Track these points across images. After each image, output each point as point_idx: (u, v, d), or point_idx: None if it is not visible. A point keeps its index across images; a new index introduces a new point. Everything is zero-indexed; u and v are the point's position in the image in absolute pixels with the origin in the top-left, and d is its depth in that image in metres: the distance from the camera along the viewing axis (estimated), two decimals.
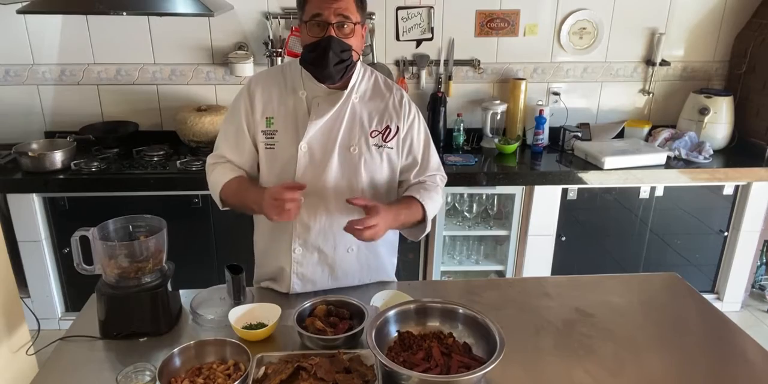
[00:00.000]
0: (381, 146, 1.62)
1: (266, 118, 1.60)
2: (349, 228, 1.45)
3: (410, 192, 1.64)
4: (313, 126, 1.56)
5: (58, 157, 2.77)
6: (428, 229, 1.67)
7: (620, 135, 3.26)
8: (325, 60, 1.48)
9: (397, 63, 3.17)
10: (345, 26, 1.47)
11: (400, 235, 1.81)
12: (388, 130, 1.62)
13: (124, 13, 2.59)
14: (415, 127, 1.66)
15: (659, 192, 3.03)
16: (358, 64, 1.60)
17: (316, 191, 1.60)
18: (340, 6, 1.45)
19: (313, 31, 1.49)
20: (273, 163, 1.62)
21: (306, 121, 1.58)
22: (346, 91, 1.58)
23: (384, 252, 1.78)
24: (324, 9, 1.45)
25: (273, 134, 1.60)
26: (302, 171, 1.59)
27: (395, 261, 1.85)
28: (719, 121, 3.13)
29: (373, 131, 1.61)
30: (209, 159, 1.69)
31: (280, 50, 2.98)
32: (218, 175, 1.62)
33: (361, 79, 1.62)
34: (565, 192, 2.97)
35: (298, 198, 1.43)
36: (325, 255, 1.68)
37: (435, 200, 1.65)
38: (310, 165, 1.59)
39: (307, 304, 1.52)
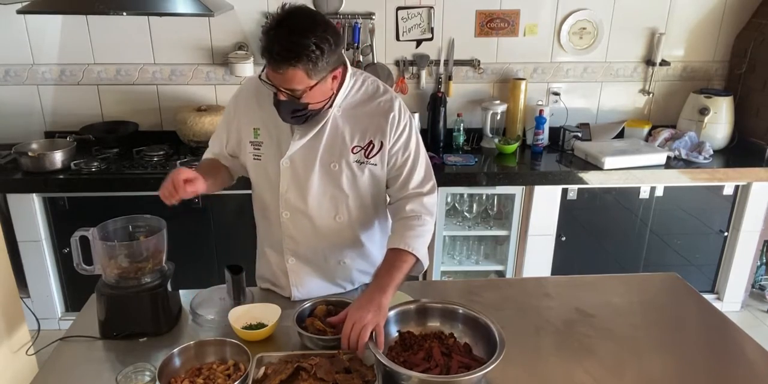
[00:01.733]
0: (363, 163, 1.56)
1: (254, 128, 1.58)
2: (352, 347, 1.35)
3: (395, 242, 1.53)
4: (295, 145, 1.54)
5: (58, 157, 2.77)
6: (426, 264, 1.56)
7: (620, 135, 3.26)
8: (281, 114, 1.47)
9: (397, 63, 3.17)
10: (295, 92, 1.40)
11: None
12: (372, 145, 1.55)
13: (124, 13, 2.59)
14: (402, 141, 1.56)
15: (659, 192, 3.03)
16: (348, 76, 1.52)
17: (300, 206, 1.59)
18: (285, 80, 1.37)
19: (266, 85, 1.43)
20: (259, 175, 1.62)
21: (288, 136, 1.55)
22: (331, 110, 1.53)
23: (379, 258, 1.73)
24: (272, 78, 1.40)
25: (259, 146, 1.59)
26: (286, 186, 1.58)
27: None
28: (719, 121, 3.13)
29: (354, 147, 1.55)
30: (205, 154, 1.73)
31: None
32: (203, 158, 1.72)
33: (348, 92, 1.55)
34: (565, 192, 2.97)
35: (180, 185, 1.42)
36: (318, 266, 1.68)
37: (423, 237, 1.55)
38: (293, 180, 1.58)
39: (307, 304, 1.52)
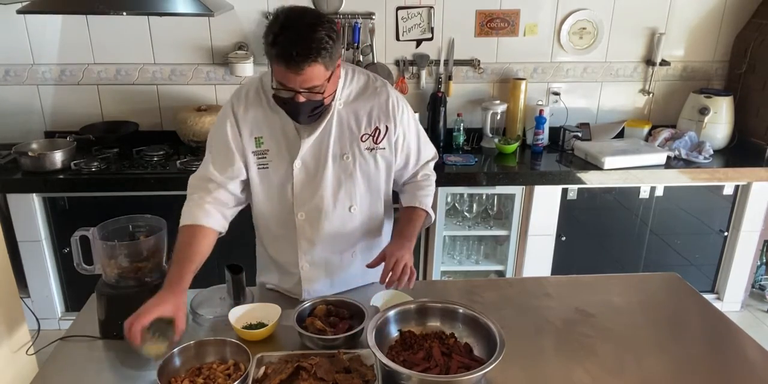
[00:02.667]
0: (373, 149, 1.60)
1: (255, 138, 1.57)
2: (390, 283, 1.50)
3: (408, 201, 1.71)
4: (306, 143, 1.55)
5: (58, 157, 2.77)
6: (433, 218, 1.74)
7: (620, 135, 3.26)
8: (298, 117, 1.48)
9: (397, 63, 3.17)
10: (314, 89, 1.41)
11: None
12: (378, 131, 1.59)
13: (124, 13, 2.59)
14: (405, 123, 1.63)
15: (659, 192, 3.03)
16: (341, 70, 1.54)
17: (316, 204, 1.60)
18: (305, 79, 1.38)
19: (281, 92, 1.43)
20: (268, 183, 1.61)
21: (295, 137, 1.56)
22: (334, 104, 1.55)
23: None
24: (288, 82, 1.39)
25: (264, 154, 1.58)
26: (299, 187, 1.59)
27: None
28: (719, 121, 3.13)
29: (363, 135, 1.59)
30: (191, 180, 1.61)
31: None
32: (186, 214, 1.54)
33: (344, 85, 1.57)
34: (565, 192, 2.97)
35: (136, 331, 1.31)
36: (333, 265, 1.69)
37: (430, 195, 1.73)
38: (306, 179, 1.58)
39: (307, 304, 1.52)
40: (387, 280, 1.48)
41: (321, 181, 1.58)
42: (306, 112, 1.46)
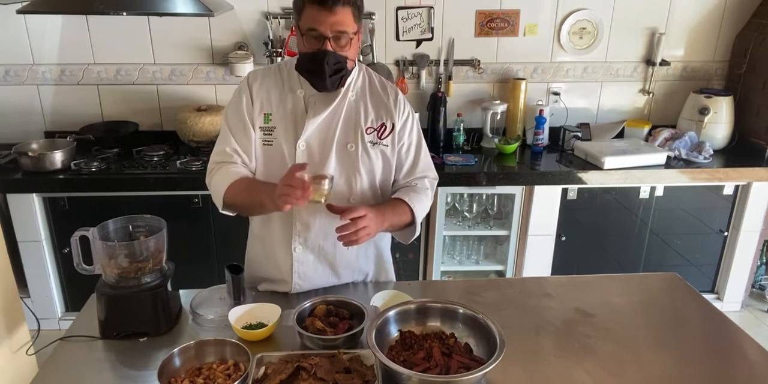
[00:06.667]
0: (376, 143, 1.63)
1: (264, 114, 1.60)
2: (343, 235, 1.48)
3: (399, 194, 1.65)
4: (311, 124, 1.57)
5: (58, 157, 2.77)
6: (418, 232, 1.68)
7: (620, 135, 3.26)
8: (321, 72, 1.49)
9: (397, 63, 3.17)
10: (341, 39, 1.47)
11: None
12: (384, 127, 1.63)
13: (124, 13, 2.59)
14: (408, 127, 1.67)
15: (659, 192, 3.03)
16: (356, 65, 1.61)
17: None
18: (337, 21, 1.44)
19: (309, 42, 1.49)
20: (270, 161, 1.62)
21: (304, 119, 1.58)
22: (343, 89, 1.59)
23: (384, 248, 1.80)
24: (320, 24, 1.44)
25: (271, 131, 1.60)
26: None
27: (391, 259, 1.86)
28: (719, 121, 3.13)
29: (368, 128, 1.62)
30: (214, 157, 1.65)
31: (280, 50, 2.98)
32: (222, 176, 1.59)
33: (357, 77, 1.64)
34: (565, 192, 2.97)
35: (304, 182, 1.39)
36: (326, 252, 1.69)
37: (423, 203, 1.67)
38: (308, 163, 1.59)
39: (307, 304, 1.52)
40: (341, 234, 1.48)
41: (323, 167, 1.59)
42: (330, 67, 1.48)
